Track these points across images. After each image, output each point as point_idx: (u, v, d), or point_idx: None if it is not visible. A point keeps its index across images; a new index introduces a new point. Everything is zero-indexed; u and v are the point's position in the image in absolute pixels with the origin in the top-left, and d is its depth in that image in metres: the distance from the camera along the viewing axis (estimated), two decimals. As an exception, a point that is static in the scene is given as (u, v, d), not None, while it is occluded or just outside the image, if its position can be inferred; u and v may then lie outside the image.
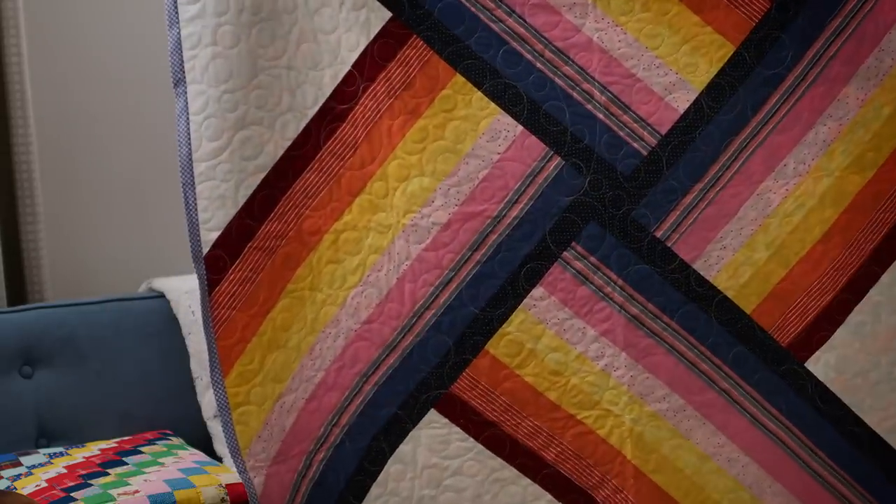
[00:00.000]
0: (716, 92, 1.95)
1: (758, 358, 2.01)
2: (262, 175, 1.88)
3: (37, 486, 2.23)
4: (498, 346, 1.97)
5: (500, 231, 1.95)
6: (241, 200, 1.86)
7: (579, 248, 1.96)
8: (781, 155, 1.99)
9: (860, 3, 1.94)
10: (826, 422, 2.02)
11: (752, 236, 2.00)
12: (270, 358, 1.89)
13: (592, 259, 1.96)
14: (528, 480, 1.99)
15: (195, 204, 1.86)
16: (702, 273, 1.98)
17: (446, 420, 1.98)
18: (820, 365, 2.02)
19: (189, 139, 1.86)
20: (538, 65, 1.92)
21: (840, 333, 2.02)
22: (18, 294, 2.81)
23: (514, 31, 1.91)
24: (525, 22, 1.92)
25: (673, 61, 1.95)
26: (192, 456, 2.41)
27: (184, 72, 1.86)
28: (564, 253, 1.96)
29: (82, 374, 2.60)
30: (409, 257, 1.94)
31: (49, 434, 2.56)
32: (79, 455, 2.39)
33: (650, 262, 1.96)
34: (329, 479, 1.95)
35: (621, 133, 1.95)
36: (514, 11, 1.91)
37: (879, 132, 1.99)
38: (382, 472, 1.97)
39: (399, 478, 1.97)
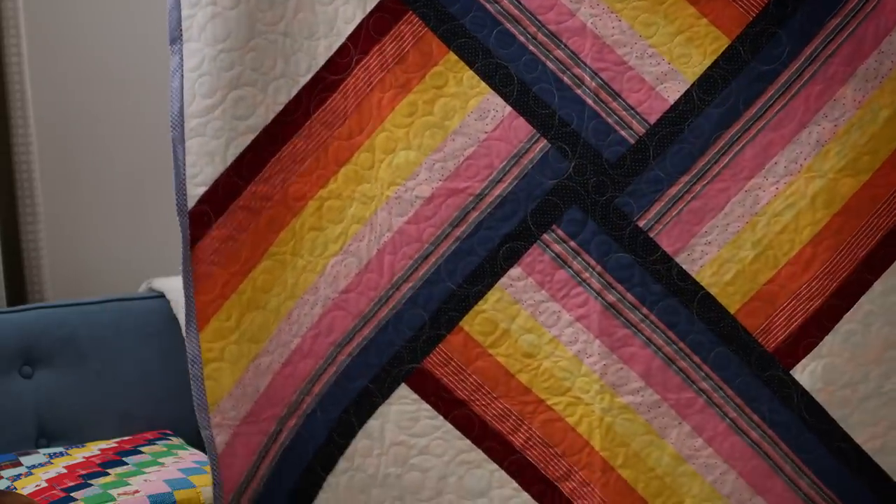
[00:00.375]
0: (708, 84, 1.94)
1: (741, 360, 1.97)
2: (253, 136, 1.88)
3: (37, 486, 2.23)
4: (472, 324, 1.96)
5: (481, 209, 1.95)
6: (230, 159, 1.87)
7: (559, 232, 1.95)
8: (773, 152, 1.97)
9: (861, 3, 1.92)
10: (812, 435, 1.97)
11: (738, 233, 1.98)
12: (248, 317, 1.89)
13: (572, 244, 1.95)
14: (495, 466, 1.97)
15: (184, 159, 1.86)
16: (684, 267, 1.96)
17: (416, 396, 1.97)
18: (806, 373, 1.98)
19: (182, 95, 1.87)
20: (530, 47, 1.92)
21: (828, 341, 1.97)
22: (18, 294, 2.81)
23: (508, 12, 1.92)
24: (520, 4, 1.92)
25: (666, 51, 1.94)
26: (192, 456, 2.41)
27: (181, 30, 1.87)
28: (544, 235, 1.95)
29: (82, 374, 2.60)
30: (390, 229, 1.94)
31: (49, 434, 2.56)
32: (79, 455, 2.39)
33: (631, 251, 1.95)
34: (299, 447, 1.95)
35: (609, 120, 1.94)
36: None
37: (877, 135, 1.96)
38: (350, 446, 1.96)
39: (366, 453, 1.96)
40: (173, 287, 2.77)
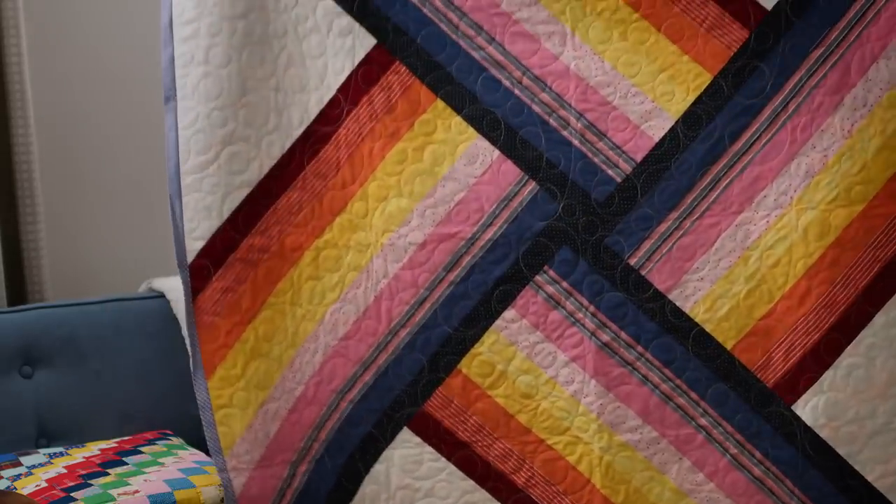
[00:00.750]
0: (692, 120, 1.93)
1: (740, 396, 1.95)
2: (248, 190, 1.92)
3: (37, 486, 2.23)
4: (470, 366, 1.97)
5: (473, 253, 1.96)
6: (227, 213, 1.90)
7: (551, 273, 1.96)
8: (761, 186, 1.95)
9: (844, 33, 1.91)
10: (817, 472, 1.94)
11: (730, 268, 1.96)
12: (253, 365, 1.92)
13: (564, 284, 1.96)
14: None
15: (181, 214, 1.89)
16: (677, 304, 1.95)
17: (419, 439, 1.98)
18: (808, 409, 1.95)
19: (177, 152, 1.90)
20: (516, 91, 1.93)
21: (829, 376, 1.94)
22: (18, 294, 2.81)
23: (493, 58, 1.93)
24: (504, 49, 1.93)
25: (650, 89, 1.94)
26: (192, 456, 2.41)
27: (175, 89, 1.90)
28: (536, 277, 1.96)
29: (82, 374, 2.60)
30: (386, 275, 1.96)
31: (49, 434, 2.56)
32: (79, 455, 2.39)
33: (623, 289, 1.95)
34: (311, 492, 1.97)
35: (596, 159, 1.95)
36: (493, 39, 1.92)
37: (868, 164, 1.93)
38: (359, 492, 1.98)
39: (374, 498, 1.98)
40: (173, 287, 2.77)
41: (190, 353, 1.92)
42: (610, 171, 1.94)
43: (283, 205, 1.94)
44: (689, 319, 1.95)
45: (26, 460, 2.36)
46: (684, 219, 1.96)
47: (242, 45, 1.89)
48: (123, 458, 2.36)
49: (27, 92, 2.76)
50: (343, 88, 1.94)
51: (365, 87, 1.94)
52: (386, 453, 1.99)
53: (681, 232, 1.96)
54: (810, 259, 1.93)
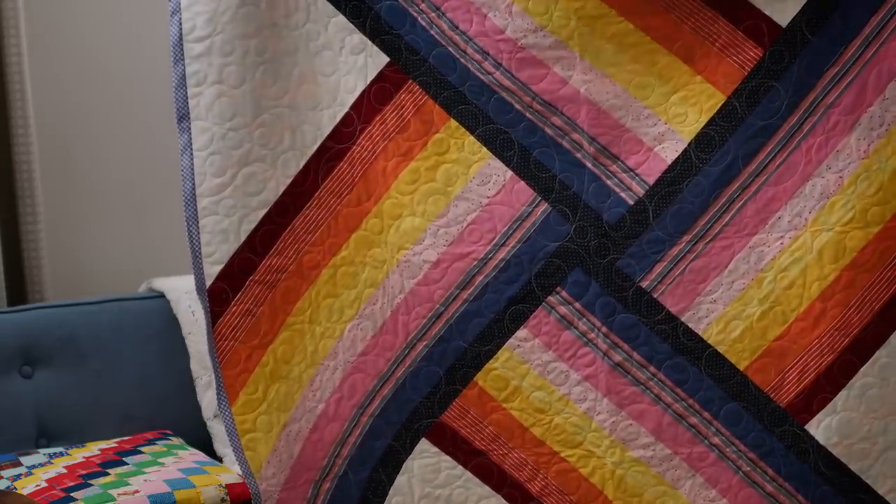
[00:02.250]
0: (705, 143, 1.92)
1: (752, 416, 1.95)
2: (265, 211, 1.91)
3: (37, 486, 2.23)
4: (486, 380, 1.98)
5: (486, 272, 1.96)
6: (244, 235, 1.89)
7: (564, 294, 1.96)
8: (775, 207, 1.93)
9: (860, 51, 1.87)
10: (828, 487, 1.94)
11: (744, 290, 1.95)
12: (273, 388, 1.92)
13: (577, 305, 1.96)
14: None
15: (199, 238, 1.89)
16: (690, 326, 1.94)
17: (437, 449, 1.99)
18: (821, 428, 1.94)
19: (193, 174, 1.89)
20: (528, 115, 1.93)
21: (843, 395, 1.93)
22: (18, 294, 2.81)
23: (501, 83, 1.93)
24: (512, 75, 1.93)
25: (662, 111, 1.93)
26: (192, 456, 2.41)
27: (188, 108, 1.89)
28: (549, 297, 1.96)
29: (82, 374, 2.60)
30: (402, 290, 1.96)
31: (49, 434, 2.55)
32: (79, 455, 2.39)
33: (636, 311, 1.94)
34: (347, 497, 1.98)
35: (609, 182, 1.94)
36: (500, 65, 1.92)
37: (886, 186, 1.89)
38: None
39: None
40: (173, 287, 2.77)
41: (214, 380, 1.92)
42: (623, 194, 1.94)
43: (299, 223, 1.94)
44: (702, 341, 1.94)
45: (26, 460, 2.36)
46: (697, 241, 1.95)
47: (256, 64, 1.89)
48: (123, 458, 2.36)
49: (27, 92, 2.76)
50: (356, 106, 1.94)
51: (378, 106, 1.94)
52: (407, 464, 1.99)
53: (693, 255, 1.95)
54: (825, 281, 1.92)
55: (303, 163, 1.93)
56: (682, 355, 1.95)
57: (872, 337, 1.92)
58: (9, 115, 2.75)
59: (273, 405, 1.92)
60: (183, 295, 2.74)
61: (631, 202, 1.93)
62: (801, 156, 1.92)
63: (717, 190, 1.93)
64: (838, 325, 1.92)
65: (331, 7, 1.92)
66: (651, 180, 1.94)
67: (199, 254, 1.90)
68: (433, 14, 1.91)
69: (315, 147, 1.93)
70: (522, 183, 1.95)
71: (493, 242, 1.96)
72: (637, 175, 1.94)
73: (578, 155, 1.94)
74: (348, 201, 1.95)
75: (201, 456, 2.43)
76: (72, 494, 2.18)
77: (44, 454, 2.40)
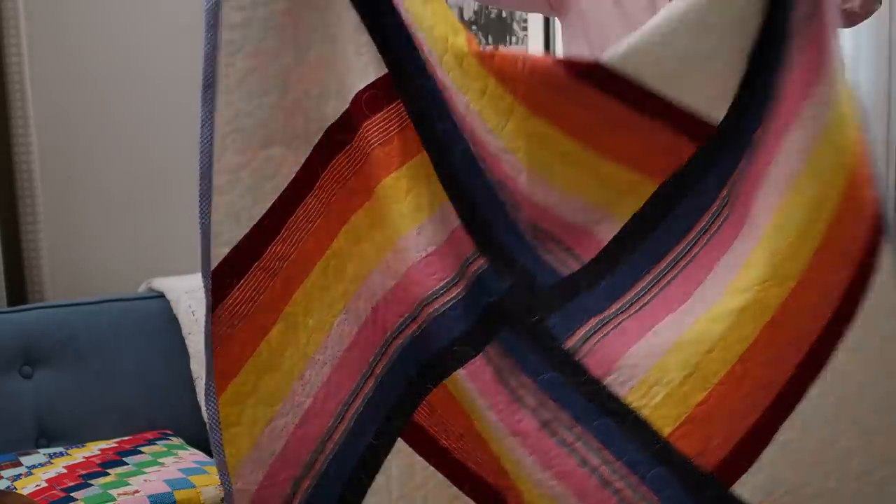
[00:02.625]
0: (639, 225, 1.94)
1: (679, 482, 1.93)
2: (276, 196, 1.88)
3: (37, 486, 2.23)
4: (455, 385, 1.98)
5: (436, 307, 1.95)
6: (255, 219, 1.85)
7: (497, 348, 1.96)
8: (701, 278, 1.94)
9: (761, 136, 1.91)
10: None
11: (664, 356, 1.95)
12: (264, 379, 1.90)
13: (508, 361, 1.96)
14: None
15: (209, 217, 1.84)
16: (612, 389, 1.93)
17: (411, 450, 1.98)
18: (747, 489, 1.86)
19: (211, 149, 1.83)
20: (486, 177, 1.94)
21: (767, 453, 1.87)
22: (18, 294, 2.81)
23: (467, 145, 1.93)
24: (473, 147, 1.93)
25: (601, 206, 1.95)
26: (192, 456, 2.42)
27: (216, 78, 1.83)
28: (488, 348, 1.96)
29: (82, 374, 2.60)
30: (383, 287, 1.95)
31: (49, 434, 2.56)
32: (79, 455, 2.39)
33: (561, 371, 1.94)
34: (328, 497, 1.96)
35: (546, 257, 1.95)
36: (463, 136, 1.92)
37: (795, 240, 1.90)
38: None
39: None
40: (173, 287, 2.77)
41: (205, 371, 1.88)
42: (558, 267, 1.95)
43: (301, 212, 1.92)
44: (625, 405, 1.93)
45: (26, 460, 2.36)
46: (623, 311, 1.95)
47: (290, 43, 1.84)
48: (123, 458, 2.36)
49: (27, 92, 2.76)
50: (355, 102, 1.93)
51: (368, 113, 1.93)
52: (385, 464, 1.98)
53: (618, 321, 1.95)
54: (745, 342, 1.90)
55: (309, 151, 1.91)
56: (608, 417, 1.94)
57: (794, 393, 1.89)
58: (9, 115, 2.75)
59: (261, 398, 1.90)
60: (183, 295, 2.75)
61: (565, 273, 1.95)
62: (727, 228, 1.94)
63: (648, 267, 1.95)
64: (761, 384, 1.89)
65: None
66: (586, 258, 1.96)
67: (209, 233, 1.86)
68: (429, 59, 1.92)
69: (319, 136, 1.92)
70: (468, 236, 1.95)
71: (445, 281, 1.96)
72: (574, 254, 1.96)
73: (520, 227, 1.96)
74: (341, 194, 1.95)
75: (201, 456, 2.43)
76: (72, 494, 2.18)
77: (44, 454, 2.40)
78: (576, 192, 1.96)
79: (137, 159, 3.03)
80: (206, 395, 1.87)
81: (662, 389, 1.92)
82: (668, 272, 1.96)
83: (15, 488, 2.23)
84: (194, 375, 2.69)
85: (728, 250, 1.93)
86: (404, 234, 1.94)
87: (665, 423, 1.91)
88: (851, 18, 2.58)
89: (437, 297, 1.95)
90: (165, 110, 3.06)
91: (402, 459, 1.99)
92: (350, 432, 1.95)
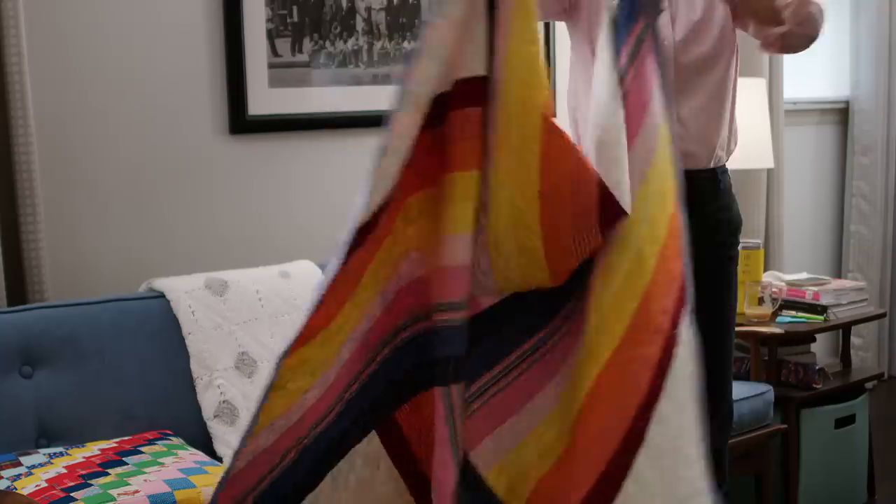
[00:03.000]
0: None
1: None
2: (399, 167, 1.84)
3: (37, 486, 2.23)
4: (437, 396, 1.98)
5: (445, 318, 1.95)
6: (389, 187, 1.83)
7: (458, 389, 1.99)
8: (556, 367, 1.96)
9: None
10: None
11: (524, 439, 1.97)
12: (323, 351, 1.88)
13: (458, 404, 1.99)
14: None
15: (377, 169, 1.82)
16: (475, 462, 1.96)
17: (380, 446, 1.98)
18: None
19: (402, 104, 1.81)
20: None
21: None
22: (18, 294, 2.81)
23: None
24: None
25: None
26: (192, 456, 2.41)
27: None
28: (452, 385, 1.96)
29: (82, 374, 2.60)
30: (410, 275, 1.95)
31: (49, 434, 2.55)
32: (79, 455, 2.39)
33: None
34: (285, 479, 1.94)
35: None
36: None
37: (608, 314, 1.91)
38: (320, 485, 1.96)
39: (328, 495, 1.96)
40: (173, 287, 2.77)
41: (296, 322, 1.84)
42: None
43: (398, 185, 1.90)
44: (485, 483, 1.96)
45: (26, 460, 2.36)
46: (486, 389, 1.99)
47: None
48: (123, 459, 2.36)
49: (27, 92, 2.76)
50: (455, 87, 1.89)
51: (461, 104, 1.91)
52: (353, 451, 1.97)
53: (487, 396, 1.99)
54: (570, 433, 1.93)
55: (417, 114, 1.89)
56: (474, 491, 1.95)
57: (618, 468, 1.89)
58: (9, 115, 2.75)
59: (308, 369, 1.88)
60: (183, 295, 2.75)
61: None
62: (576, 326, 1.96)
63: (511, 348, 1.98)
64: (591, 462, 1.89)
65: None
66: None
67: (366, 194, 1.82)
68: None
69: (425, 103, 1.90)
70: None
71: (460, 298, 1.96)
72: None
73: None
74: (408, 174, 1.92)
75: (201, 456, 2.43)
76: (72, 494, 2.18)
77: (44, 454, 2.40)
78: None
79: (137, 159, 3.03)
80: (282, 353, 1.83)
81: (514, 469, 1.96)
82: (522, 361, 1.98)
83: (15, 488, 2.23)
84: (194, 375, 2.69)
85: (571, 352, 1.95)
86: (451, 234, 1.93)
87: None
88: (789, 41, 2.45)
89: (450, 310, 1.94)
90: (165, 110, 3.06)
91: (371, 448, 1.98)
92: (338, 414, 1.94)
